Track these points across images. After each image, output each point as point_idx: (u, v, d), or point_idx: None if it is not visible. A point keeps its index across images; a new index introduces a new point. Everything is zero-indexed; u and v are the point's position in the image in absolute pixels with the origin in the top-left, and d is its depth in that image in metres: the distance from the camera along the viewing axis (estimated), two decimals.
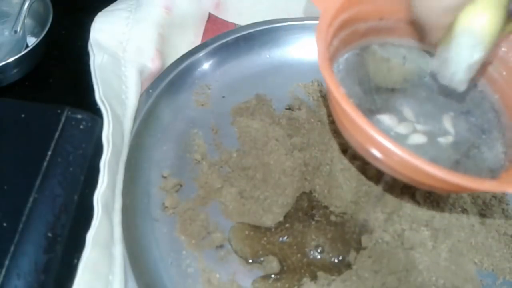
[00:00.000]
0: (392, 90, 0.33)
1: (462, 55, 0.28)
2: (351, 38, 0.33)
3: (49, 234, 0.30)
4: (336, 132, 0.40)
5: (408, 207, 0.37)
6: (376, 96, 0.32)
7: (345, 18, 0.31)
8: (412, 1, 0.30)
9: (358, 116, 0.25)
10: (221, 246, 0.35)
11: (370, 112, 0.31)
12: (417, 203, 0.37)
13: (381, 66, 0.34)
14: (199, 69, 0.43)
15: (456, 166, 0.30)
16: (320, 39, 0.28)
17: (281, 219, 0.36)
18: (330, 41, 0.30)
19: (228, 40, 0.44)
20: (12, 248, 0.29)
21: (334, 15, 0.30)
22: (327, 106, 0.43)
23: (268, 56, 0.45)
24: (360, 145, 0.28)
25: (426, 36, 0.31)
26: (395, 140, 0.29)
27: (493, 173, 0.30)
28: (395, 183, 0.38)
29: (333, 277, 0.34)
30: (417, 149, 0.29)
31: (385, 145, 0.25)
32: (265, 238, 0.35)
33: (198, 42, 0.45)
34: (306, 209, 0.37)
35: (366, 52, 0.34)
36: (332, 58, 0.31)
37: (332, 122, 0.41)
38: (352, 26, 0.32)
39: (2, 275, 0.28)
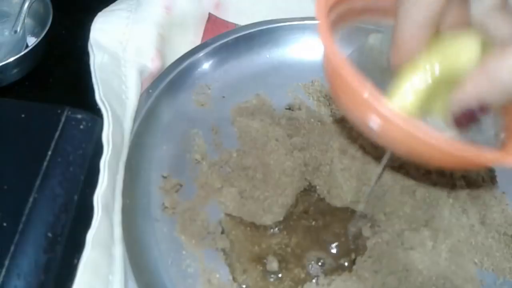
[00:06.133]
0: (386, 75, 0.32)
1: None
2: (347, 14, 0.33)
3: (49, 234, 0.30)
4: (336, 132, 0.40)
5: (408, 207, 0.37)
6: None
7: None
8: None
9: (354, 79, 0.24)
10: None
11: None
12: (417, 203, 0.37)
13: (378, 59, 0.33)
14: (199, 69, 0.43)
15: None
16: (319, 9, 0.28)
17: (281, 219, 0.36)
18: (328, 12, 0.30)
19: (228, 40, 0.44)
20: (12, 248, 0.29)
21: None
22: (327, 106, 0.43)
23: (268, 56, 0.45)
24: (359, 115, 0.27)
25: None
26: None
27: None
28: (395, 182, 0.38)
29: (333, 277, 0.34)
30: None
31: (384, 112, 0.25)
32: (265, 238, 0.35)
33: (198, 42, 0.45)
34: (306, 209, 0.37)
35: (360, 48, 0.34)
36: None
37: (332, 122, 0.41)
38: (349, 2, 0.32)
39: (2, 275, 0.28)
